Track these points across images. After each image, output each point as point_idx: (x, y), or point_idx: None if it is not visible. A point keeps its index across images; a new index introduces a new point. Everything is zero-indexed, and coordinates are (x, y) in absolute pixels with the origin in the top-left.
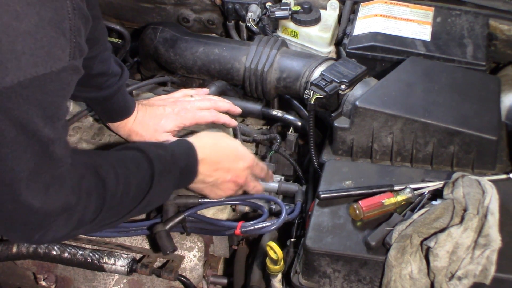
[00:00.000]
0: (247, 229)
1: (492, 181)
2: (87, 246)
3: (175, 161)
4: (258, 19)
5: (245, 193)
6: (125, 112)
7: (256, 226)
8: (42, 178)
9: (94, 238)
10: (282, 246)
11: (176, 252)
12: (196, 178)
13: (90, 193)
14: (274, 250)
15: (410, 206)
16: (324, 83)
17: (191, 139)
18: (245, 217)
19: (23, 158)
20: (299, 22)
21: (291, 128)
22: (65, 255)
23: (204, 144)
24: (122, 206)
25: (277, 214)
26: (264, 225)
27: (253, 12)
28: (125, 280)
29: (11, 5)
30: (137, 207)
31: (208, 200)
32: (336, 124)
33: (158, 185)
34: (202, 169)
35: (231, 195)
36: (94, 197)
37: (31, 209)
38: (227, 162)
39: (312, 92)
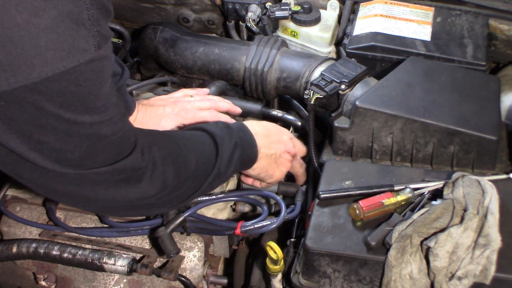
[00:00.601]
0: (247, 228)
1: (492, 181)
2: (87, 246)
3: (232, 133)
4: (258, 19)
5: (236, 188)
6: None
7: (256, 225)
8: (98, 156)
9: (94, 238)
10: (282, 246)
11: None
12: (259, 151)
13: (165, 159)
14: (274, 250)
15: (410, 206)
16: (324, 83)
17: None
18: (245, 217)
19: (71, 142)
20: (299, 22)
21: (291, 128)
22: (65, 255)
23: (248, 123)
24: (198, 173)
25: (276, 214)
26: (264, 224)
27: (253, 12)
28: (125, 280)
29: (28, 2)
30: (211, 175)
31: (206, 198)
32: (336, 124)
33: (224, 153)
34: (260, 142)
35: (288, 169)
36: (170, 162)
37: (97, 174)
38: (274, 135)
39: (312, 92)
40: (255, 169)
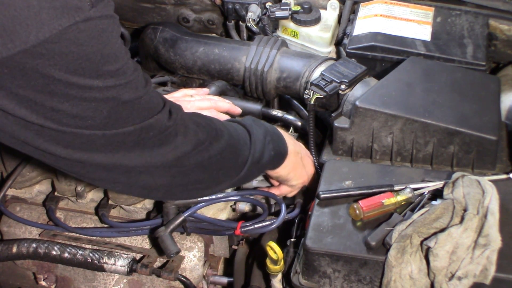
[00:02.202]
0: (247, 228)
1: (492, 181)
2: (87, 246)
3: (260, 123)
4: (258, 19)
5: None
6: None
7: (256, 225)
8: (124, 120)
9: (94, 238)
10: (282, 246)
11: None
12: (288, 145)
13: (196, 122)
14: (274, 250)
15: (410, 206)
16: (324, 83)
17: None
18: (245, 217)
19: (89, 108)
20: (299, 22)
21: (291, 128)
22: (65, 255)
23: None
24: (234, 149)
25: (276, 214)
26: (264, 224)
27: (253, 12)
28: (125, 280)
29: None
30: (249, 159)
31: (206, 198)
32: (336, 124)
33: (258, 136)
34: (286, 138)
35: (313, 172)
36: (202, 126)
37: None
38: (293, 139)
39: (312, 92)
40: (285, 167)
